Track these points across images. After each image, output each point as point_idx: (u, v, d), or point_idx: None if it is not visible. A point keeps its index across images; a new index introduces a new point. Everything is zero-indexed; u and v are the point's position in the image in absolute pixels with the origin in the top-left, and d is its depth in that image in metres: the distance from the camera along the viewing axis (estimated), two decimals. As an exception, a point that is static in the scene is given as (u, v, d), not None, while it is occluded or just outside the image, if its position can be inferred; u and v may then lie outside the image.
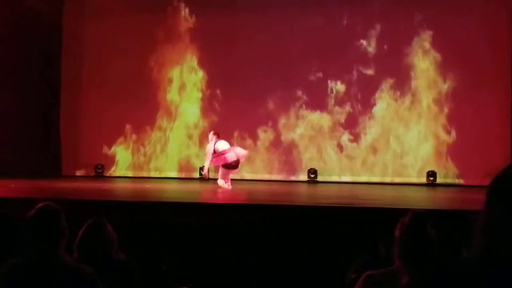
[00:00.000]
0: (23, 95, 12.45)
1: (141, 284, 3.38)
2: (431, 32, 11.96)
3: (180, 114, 13.15)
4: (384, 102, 12.12)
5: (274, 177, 12.51)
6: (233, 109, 12.61)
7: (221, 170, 9.82)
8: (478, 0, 11.67)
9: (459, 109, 11.71)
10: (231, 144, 10.44)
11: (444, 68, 11.88)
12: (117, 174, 13.18)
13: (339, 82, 12.31)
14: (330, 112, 12.38)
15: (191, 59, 13.22)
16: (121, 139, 13.17)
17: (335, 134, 12.36)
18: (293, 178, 12.41)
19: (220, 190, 9.56)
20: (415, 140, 12.03)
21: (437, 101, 11.95)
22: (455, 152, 11.71)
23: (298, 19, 12.35)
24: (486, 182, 1.19)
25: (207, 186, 9.64)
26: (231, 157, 9.66)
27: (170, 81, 13.26)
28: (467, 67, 11.58)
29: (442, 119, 11.89)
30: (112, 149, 13.16)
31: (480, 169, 10.55)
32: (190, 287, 4.24)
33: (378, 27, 12.11)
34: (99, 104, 13.07)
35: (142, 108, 13.13)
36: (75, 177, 12.61)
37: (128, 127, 13.18)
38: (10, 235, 3.26)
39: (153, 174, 13.10)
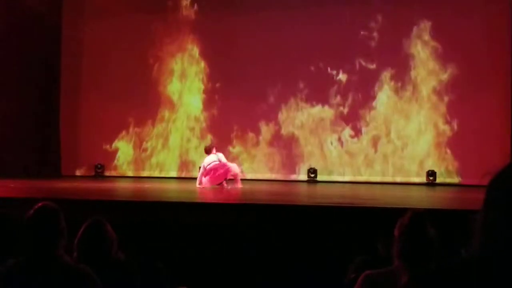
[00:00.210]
0: (22, 95, 12.44)
1: (140, 284, 3.38)
2: (430, 33, 11.95)
3: (181, 112, 13.15)
4: (384, 96, 12.11)
5: (275, 174, 12.51)
6: (234, 104, 12.60)
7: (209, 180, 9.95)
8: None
9: (458, 109, 11.70)
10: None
11: (443, 68, 11.87)
12: (119, 169, 13.18)
13: (340, 75, 12.28)
14: (330, 106, 12.36)
15: (191, 58, 13.21)
16: (122, 133, 13.17)
17: (336, 128, 12.35)
18: (293, 176, 12.39)
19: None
20: (414, 140, 12.02)
21: (437, 101, 11.94)
22: (455, 151, 11.71)
23: (299, 12, 12.35)
24: (485, 181, 1.19)
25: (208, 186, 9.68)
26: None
27: (170, 80, 13.25)
28: (466, 67, 11.58)
29: (442, 119, 11.88)
30: (114, 143, 13.15)
31: (479, 169, 10.55)
32: (189, 287, 4.23)
33: (377, 26, 12.09)
34: (99, 104, 13.07)
35: (142, 108, 13.12)
36: (75, 177, 12.60)
37: (128, 125, 13.18)
38: (9, 235, 3.26)
39: (154, 169, 13.09)
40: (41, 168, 12.29)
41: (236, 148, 12.75)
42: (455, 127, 11.75)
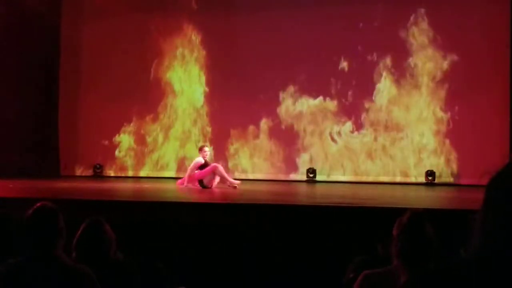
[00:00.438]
0: (21, 95, 12.42)
1: (139, 284, 3.38)
2: (429, 32, 11.96)
3: (181, 112, 13.14)
4: (384, 90, 12.11)
5: (273, 171, 12.51)
6: (234, 101, 12.59)
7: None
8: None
9: (457, 108, 11.70)
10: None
11: (442, 68, 11.88)
12: (118, 169, 13.17)
13: (340, 66, 12.24)
14: (330, 100, 12.33)
15: (191, 58, 13.21)
16: (122, 133, 13.16)
17: (336, 122, 12.32)
18: (292, 175, 12.39)
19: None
20: (414, 140, 12.02)
21: (437, 101, 11.94)
22: (454, 151, 11.71)
23: (298, 7, 12.37)
24: (484, 181, 1.19)
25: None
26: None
27: (170, 80, 13.24)
28: (465, 67, 11.58)
29: (440, 120, 11.89)
30: (113, 143, 13.14)
31: (478, 168, 10.57)
32: (188, 287, 4.24)
33: (376, 25, 12.10)
34: (98, 103, 13.06)
35: (142, 108, 13.12)
36: (74, 177, 12.59)
37: (127, 125, 13.18)
38: (8, 235, 3.26)
39: (154, 169, 13.09)
40: (40, 168, 12.28)
41: (235, 145, 12.75)
42: (454, 127, 11.75)
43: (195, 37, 13.12)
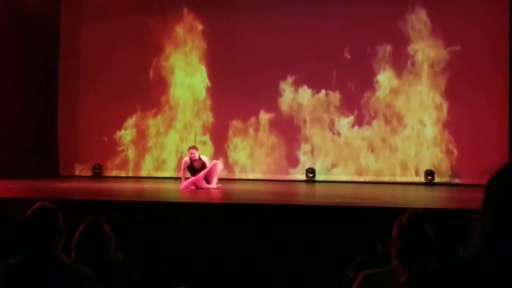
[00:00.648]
0: (20, 96, 12.42)
1: (138, 284, 3.37)
2: (429, 32, 11.96)
3: (181, 112, 13.13)
4: (385, 81, 12.12)
5: (274, 166, 12.51)
6: (234, 99, 12.59)
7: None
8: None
9: (456, 108, 11.71)
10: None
11: (442, 68, 11.89)
12: (118, 169, 13.17)
13: (340, 62, 12.23)
14: (331, 93, 12.33)
15: (191, 57, 13.20)
16: (122, 133, 13.16)
17: (337, 116, 12.32)
18: (292, 174, 12.39)
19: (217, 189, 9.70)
20: (413, 140, 12.03)
21: (434, 102, 11.95)
22: (453, 150, 11.71)
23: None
24: (484, 180, 1.19)
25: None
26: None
27: (170, 80, 13.24)
28: (463, 67, 11.58)
29: (440, 118, 11.89)
30: (113, 142, 13.14)
31: (478, 168, 10.56)
32: (188, 287, 4.24)
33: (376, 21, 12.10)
34: (97, 104, 13.05)
35: (141, 108, 13.12)
36: (73, 177, 12.58)
37: (127, 124, 13.18)
38: (8, 235, 3.25)
39: (153, 169, 13.09)
40: (39, 168, 12.27)
41: (235, 139, 12.76)
42: (453, 126, 11.75)
43: (196, 33, 13.11)
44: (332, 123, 12.39)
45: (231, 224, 6.01)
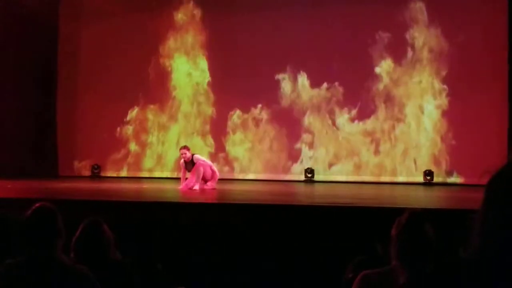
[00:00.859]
0: (19, 96, 12.41)
1: (138, 284, 3.37)
2: (429, 33, 11.98)
3: (181, 112, 13.13)
4: (384, 73, 12.14)
5: (275, 161, 12.51)
6: (235, 97, 12.60)
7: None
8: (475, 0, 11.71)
9: (456, 108, 11.71)
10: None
11: (441, 68, 11.90)
12: (117, 169, 13.17)
13: (339, 55, 12.22)
14: (330, 87, 12.34)
15: (191, 57, 13.20)
16: (122, 133, 13.15)
17: (336, 111, 12.33)
18: (290, 174, 12.39)
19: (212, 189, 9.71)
20: (413, 140, 12.04)
21: (434, 103, 11.95)
22: (453, 150, 11.72)
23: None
24: (484, 180, 1.19)
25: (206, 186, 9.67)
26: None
27: (169, 80, 13.23)
28: (463, 67, 11.59)
29: (440, 118, 11.89)
30: (113, 142, 13.13)
31: (477, 168, 10.56)
32: (187, 287, 4.23)
33: (376, 22, 12.10)
34: (96, 104, 13.06)
35: (140, 108, 13.13)
36: (72, 177, 12.58)
37: (126, 124, 13.17)
38: (7, 235, 3.25)
39: (152, 169, 13.09)
40: (38, 169, 12.27)
41: (234, 136, 12.77)
42: (453, 126, 11.75)
43: (195, 29, 13.12)
44: (332, 117, 12.38)
45: (230, 224, 6.01)
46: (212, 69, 13.00)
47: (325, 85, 12.39)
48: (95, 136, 13.15)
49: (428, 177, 11.64)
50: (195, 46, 13.17)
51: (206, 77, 13.05)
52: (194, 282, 5.05)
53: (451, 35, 11.75)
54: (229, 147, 12.78)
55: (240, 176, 12.63)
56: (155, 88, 13.15)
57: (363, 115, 12.21)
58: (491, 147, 10.86)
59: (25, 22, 12.43)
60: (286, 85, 12.57)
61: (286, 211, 6.43)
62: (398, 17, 12.02)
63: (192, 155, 9.88)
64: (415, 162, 11.99)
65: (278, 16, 12.41)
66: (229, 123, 12.79)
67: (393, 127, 12.11)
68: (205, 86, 13.05)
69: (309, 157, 12.39)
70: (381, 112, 12.15)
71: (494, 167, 1.16)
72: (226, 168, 12.58)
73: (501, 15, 11.40)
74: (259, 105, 12.64)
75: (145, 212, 6.43)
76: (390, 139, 12.14)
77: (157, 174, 13.01)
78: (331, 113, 12.39)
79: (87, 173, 13.10)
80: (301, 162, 12.45)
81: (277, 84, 12.58)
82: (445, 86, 11.87)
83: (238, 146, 12.76)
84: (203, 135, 12.94)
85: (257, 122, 12.72)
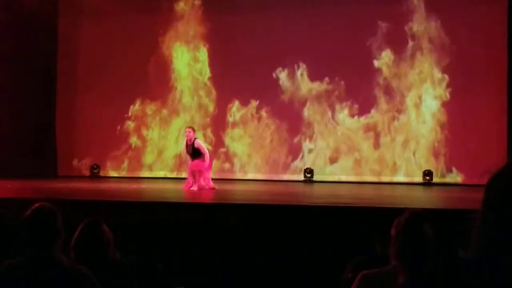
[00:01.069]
0: (19, 96, 12.42)
1: (137, 285, 3.37)
2: (428, 32, 11.98)
3: (181, 113, 13.13)
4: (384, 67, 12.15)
5: (275, 156, 12.51)
6: (234, 86, 12.60)
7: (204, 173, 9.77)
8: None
9: (456, 108, 11.71)
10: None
11: (441, 69, 11.90)
12: (117, 169, 13.16)
13: (340, 51, 12.22)
14: (330, 82, 12.34)
15: (191, 57, 13.19)
16: (122, 133, 13.15)
17: (336, 106, 12.33)
18: (289, 175, 12.39)
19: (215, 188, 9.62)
20: (411, 133, 12.04)
21: (434, 103, 11.95)
22: (452, 150, 11.71)
23: None
24: (484, 180, 1.19)
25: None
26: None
27: (169, 80, 13.23)
28: (463, 67, 11.59)
29: (439, 119, 11.90)
30: (113, 143, 13.13)
31: (477, 168, 10.58)
32: (186, 287, 4.23)
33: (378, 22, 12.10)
34: (95, 104, 13.05)
35: (140, 108, 13.13)
36: (71, 177, 12.57)
37: (126, 124, 13.17)
38: (6, 235, 3.25)
39: (153, 169, 13.08)
40: (38, 169, 12.26)
41: (233, 131, 12.77)
42: (452, 126, 11.75)
43: (195, 25, 13.11)
44: (332, 111, 12.37)
45: (230, 225, 6.01)
46: (212, 63, 12.97)
47: (325, 78, 12.38)
48: (95, 136, 13.14)
49: (428, 177, 11.64)
50: (195, 41, 13.16)
51: (207, 72, 13.03)
52: (194, 282, 5.05)
53: (451, 36, 11.75)
54: (228, 142, 12.78)
55: (240, 173, 12.63)
56: (154, 86, 13.15)
57: (363, 109, 12.20)
58: (491, 147, 10.88)
59: (24, 21, 12.42)
60: (285, 79, 12.55)
61: (285, 211, 6.43)
62: (397, 10, 12.01)
63: (195, 138, 9.83)
64: (414, 155, 11.96)
65: (279, 9, 12.39)
66: (229, 118, 12.79)
67: (393, 121, 12.09)
68: (206, 80, 13.03)
69: (309, 151, 12.36)
70: (381, 105, 12.14)
71: (494, 167, 1.16)
72: (226, 165, 12.58)
73: (501, 13, 11.40)
74: (259, 100, 12.65)
75: (145, 212, 6.44)
76: (389, 133, 12.12)
77: (156, 174, 13.00)
78: (331, 107, 12.39)
79: (86, 173, 13.10)
80: (302, 157, 12.43)
81: (276, 78, 12.57)
82: (445, 75, 11.85)
83: (238, 141, 12.76)
84: (204, 129, 12.91)
85: (256, 116, 12.70)
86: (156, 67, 13.17)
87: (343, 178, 12.17)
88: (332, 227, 5.83)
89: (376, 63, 12.10)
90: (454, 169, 11.70)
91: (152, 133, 13.22)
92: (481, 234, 1.14)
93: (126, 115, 13.17)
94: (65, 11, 13.43)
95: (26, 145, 12.47)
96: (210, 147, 11.78)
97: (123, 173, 13.15)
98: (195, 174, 9.66)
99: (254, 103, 12.68)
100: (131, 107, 13.15)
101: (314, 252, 5.60)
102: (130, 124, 13.22)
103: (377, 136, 12.15)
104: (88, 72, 13.29)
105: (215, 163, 11.88)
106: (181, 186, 10.06)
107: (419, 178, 11.73)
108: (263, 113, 12.67)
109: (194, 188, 9.56)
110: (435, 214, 5.57)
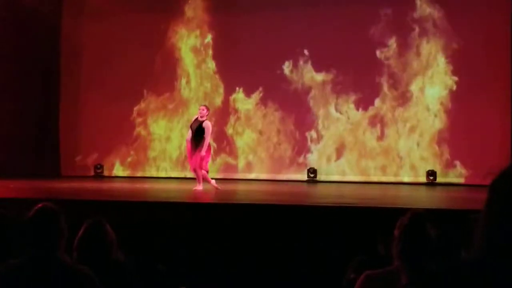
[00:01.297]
0: (22, 95, 12.43)
1: (139, 285, 3.37)
2: (430, 33, 11.96)
3: (183, 113, 13.13)
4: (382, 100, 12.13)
5: (279, 152, 12.52)
6: (238, 78, 12.62)
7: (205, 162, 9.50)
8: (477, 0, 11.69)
9: (458, 108, 11.69)
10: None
11: (442, 69, 11.89)
12: (121, 169, 13.17)
13: (342, 43, 12.17)
14: (335, 73, 12.32)
15: (193, 57, 13.20)
16: (123, 133, 13.15)
17: (341, 98, 12.31)
18: (292, 174, 12.37)
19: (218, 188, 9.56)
20: (413, 140, 12.02)
21: (435, 104, 11.93)
22: (455, 151, 11.69)
23: None
24: (487, 181, 1.18)
25: (207, 186, 9.63)
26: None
27: (171, 81, 13.23)
28: (465, 67, 11.58)
29: (441, 117, 11.88)
30: (115, 143, 13.15)
31: (480, 168, 10.57)
32: (189, 287, 4.23)
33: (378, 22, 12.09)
34: (99, 103, 13.05)
35: (142, 108, 13.13)
36: (74, 177, 12.58)
37: (128, 124, 13.17)
38: (9, 235, 3.25)
39: (157, 169, 13.09)
40: (41, 168, 12.28)
41: (238, 125, 12.79)
42: (455, 126, 11.73)
43: (200, 20, 13.11)
44: (337, 103, 12.35)
45: (232, 225, 6.01)
46: (217, 59, 12.97)
47: (331, 70, 12.32)
48: (98, 135, 13.15)
49: (431, 177, 11.62)
50: (199, 38, 13.14)
51: (212, 68, 13.02)
52: (197, 282, 5.05)
53: (451, 36, 11.74)
54: (234, 136, 12.75)
55: (245, 170, 12.60)
56: (158, 84, 13.12)
57: (367, 101, 12.15)
58: (494, 148, 10.89)
59: (27, 22, 12.44)
60: (290, 72, 12.53)
61: (288, 211, 6.43)
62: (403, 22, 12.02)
63: (206, 119, 9.45)
64: (418, 145, 11.93)
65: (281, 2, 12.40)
66: (235, 112, 12.77)
67: (396, 112, 12.05)
68: (211, 77, 13.01)
69: (314, 144, 12.33)
70: (385, 97, 12.10)
71: (498, 168, 1.16)
72: (230, 159, 12.58)
73: (504, 12, 11.38)
74: (264, 93, 12.60)
75: (147, 212, 6.44)
76: (393, 123, 12.09)
77: (160, 174, 13.00)
78: (336, 99, 12.34)
79: (90, 172, 13.10)
80: (307, 150, 12.38)
81: (281, 71, 12.54)
82: (448, 88, 11.85)
83: (243, 135, 12.73)
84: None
85: (261, 110, 12.68)
86: (160, 65, 13.15)
87: (346, 178, 12.14)
88: (335, 227, 5.83)
89: (378, 53, 12.08)
90: (458, 162, 11.64)
91: (157, 132, 13.22)
92: (484, 235, 1.14)
93: (129, 114, 13.17)
94: (68, 11, 13.44)
95: (30, 145, 12.49)
96: (215, 145, 11.77)
97: (127, 173, 13.16)
98: (197, 171, 9.50)
99: (258, 96, 12.65)
100: (135, 106, 13.15)
101: (317, 253, 5.59)
102: (134, 123, 13.22)
103: (381, 128, 12.10)
104: (92, 71, 13.29)
105: (219, 158, 11.89)
106: (183, 186, 10.07)
107: (423, 178, 11.71)
108: (268, 106, 12.63)
109: (199, 188, 9.39)
110: (438, 215, 5.56)
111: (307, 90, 12.48)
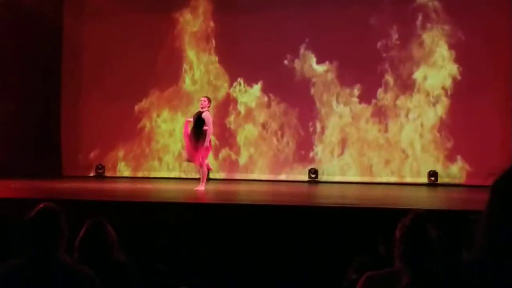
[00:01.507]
0: (23, 95, 12.44)
1: (140, 285, 3.37)
2: (431, 33, 11.96)
3: (185, 113, 13.12)
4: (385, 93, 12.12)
5: (281, 149, 12.51)
6: (240, 72, 12.61)
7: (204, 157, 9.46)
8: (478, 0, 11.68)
9: (459, 108, 11.68)
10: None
11: (443, 70, 11.88)
12: (122, 169, 13.17)
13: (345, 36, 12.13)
14: (337, 66, 12.30)
15: (193, 57, 13.20)
16: (125, 133, 13.15)
17: (344, 92, 12.30)
18: (293, 175, 12.36)
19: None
20: (414, 140, 12.01)
21: (437, 104, 11.92)
22: (457, 151, 11.68)
23: None
24: (489, 182, 1.18)
25: (208, 186, 9.63)
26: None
27: (172, 81, 13.23)
28: (466, 67, 11.57)
29: (443, 119, 11.87)
30: (117, 143, 13.14)
31: (482, 169, 10.56)
32: (189, 287, 4.23)
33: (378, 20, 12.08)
34: (100, 104, 13.04)
35: (143, 108, 13.13)
36: (76, 177, 12.59)
37: (130, 124, 13.16)
38: (10, 235, 3.26)
39: (159, 168, 13.09)
40: (42, 168, 12.28)
41: (241, 121, 12.78)
42: (456, 127, 11.72)
43: (201, 14, 13.11)
44: (339, 96, 12.33)
45: (233, 225, 6.01)
46: (221, 55, 12.97)
47: (334, 63, 12.29)
48: (100, 135, 13.15)
49: (432, 178, 11.62)
50: (202, 37, 13.13)
51: (214, 68, 13.02)
52: (197, 282, 5.05)
53: (452, 37, 11.73)
54: (236, 132, 12.74)
55: (248, 165, 12.58)
56: (160, 84, 13.10)
57: (370, 95, 12.13)
58: (496, 148, 10.89)
59: (29, 22, 12.45)
60: (292, 66, 12.51)
61: (288, 211, 6.43)
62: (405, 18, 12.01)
63: (207, 110, 9.39)
64: (421, 136, 11.92)
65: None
66: (238, 108, 12.77)
67: (398, 105, 12.04)
68: (213, 77, 13.01)
69: (317, 137, 12.31)
70: (387, 90, 12.09)
71: (499, 168, 1.16)
72: (232, 154, 12.58)
73: (504, 12, 11.38)
74: (267, 88, 12.58)
75: (148, 213, 6.44)
76: (395, 117, 12.07)
77: (162, 174, 13.00)
78: (339, 93, 12.32)
79: (91, 172, 13.11)
80: (313, 142, 12.34)
81: (284, 65, 12.52)
82: (448, 88, 11.84)
83: (245, 131, 12.72)
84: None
85: (264, 105, 12.67)
86: (161, 65, 13.15)
87: (347, 178, 12.13)
88: (336, 228, 5.83)
89: (379, 44, 12.07)
90: (459, 170, 11.64)
91: (158, 132, 13.21)
92: (485, 236, 1.14)
93: (130, 113, 13.16)
94: (69, 11, 13.44)
95: (31, 145, 12.49)
96: (217, 142, 11.75)
97: (128, 173, 13.16)
98: (203, 169, 9.43)
99: (261, 92, 12.63)
100: (136, 106, 13.14)
101: (318, 253, 5.59)
102: (136, 123, 13.21)
103: (384, 120, 12.08)
104: (93, 71, 13.29)
105: (221, 153, 11.85)
106: (184, 186, 10.06)
107: (424, 179, 11.70)
108: (271, 99, 12.60)
109: (201, 188, 9.36)
110: (439, 215, 5.56)
111: (309, 83, 12.44)
